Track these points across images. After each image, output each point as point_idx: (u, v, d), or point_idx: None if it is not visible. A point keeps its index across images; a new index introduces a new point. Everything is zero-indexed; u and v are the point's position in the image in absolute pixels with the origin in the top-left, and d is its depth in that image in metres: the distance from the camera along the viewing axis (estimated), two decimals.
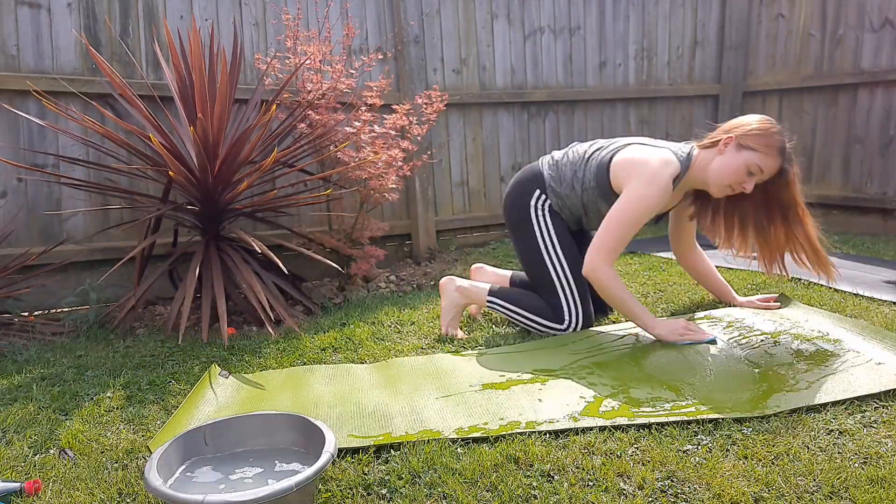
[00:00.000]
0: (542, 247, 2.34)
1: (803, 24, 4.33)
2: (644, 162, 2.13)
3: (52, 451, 1.64)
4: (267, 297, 2.55)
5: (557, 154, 2.42)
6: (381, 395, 1.85)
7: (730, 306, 2.48)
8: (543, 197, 2.36)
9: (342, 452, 1.55)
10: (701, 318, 2.31)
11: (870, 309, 2.48)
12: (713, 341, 2.04)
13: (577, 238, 2.41)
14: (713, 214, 2.30)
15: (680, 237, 2.51)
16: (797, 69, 4.40)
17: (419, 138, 3.29)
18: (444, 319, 2.42)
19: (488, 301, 2.39)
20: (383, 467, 1.50)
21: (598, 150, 2.30)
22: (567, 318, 2.30)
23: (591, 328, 2.33)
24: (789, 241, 2.21)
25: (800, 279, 2.90)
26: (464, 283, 2.43)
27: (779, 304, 2.45)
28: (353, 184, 3.11)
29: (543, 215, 2.35)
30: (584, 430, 1.62)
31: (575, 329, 2.31)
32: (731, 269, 3.19)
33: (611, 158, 2.22)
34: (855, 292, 2.68)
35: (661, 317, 2.46)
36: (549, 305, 2.31)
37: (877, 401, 1.73)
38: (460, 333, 2.41)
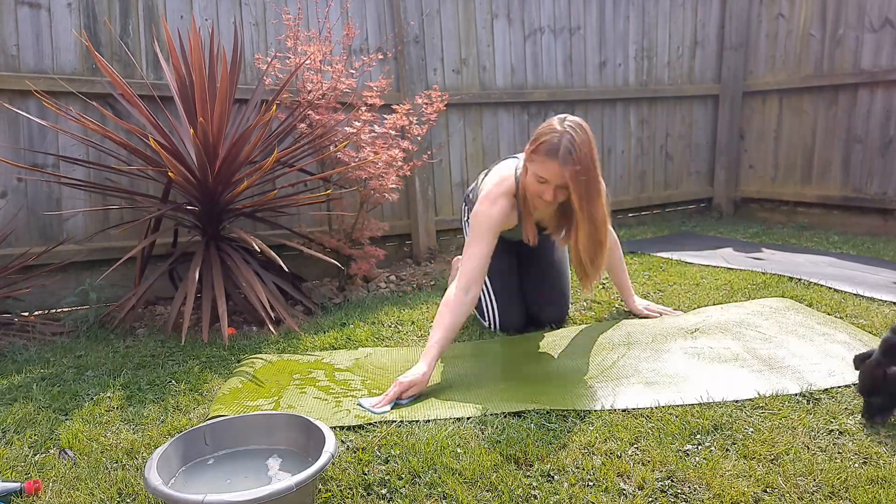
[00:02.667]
0: None
1: (803, 24, 4.33)
2: (489, 179, 2.23)
3: (52, 451, 1.64)
4: (267, 297, 2.54)
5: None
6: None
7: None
8: (466, 209, 2.51)
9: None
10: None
11: (870, 309, 2.48)
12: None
13: (521, 251, 2.48)
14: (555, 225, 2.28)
15: None
16: (797, 69, 4.40)
17: (419, 138, 3.29)
18: None
19: None
20: (383, 467, 1.50)
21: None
22: (486, 317, 2.49)
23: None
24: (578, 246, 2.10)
25: (800, 279, 2.90)
26: None
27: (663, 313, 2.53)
28: (353, 184, 3.11)
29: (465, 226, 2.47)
30: (584, 431, 1.62)
31: (494, 329, 2.48)
32: (731, 269, 3.19)
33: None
34: (855, 292, 2.68)
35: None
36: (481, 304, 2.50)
37: None
38: None
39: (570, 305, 2.63)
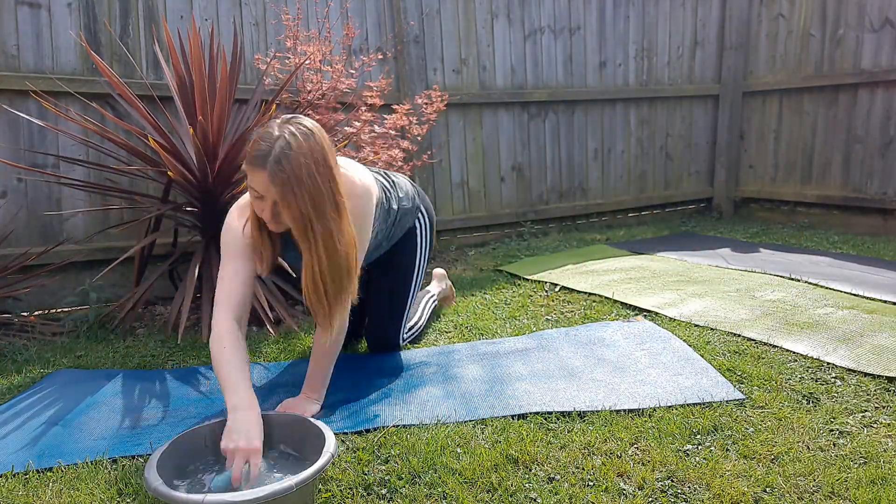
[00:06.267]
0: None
1: (803, 24, 4.33)
2: None
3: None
4: (267, 297, 2.54)
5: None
6: None
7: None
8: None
9: None
10: None
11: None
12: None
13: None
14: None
15: None
16: (797, 69, 4.40)
17: (419, 138, 3.29)
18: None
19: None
20: (383, 467, 1.50)
21: None
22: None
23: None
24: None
25: (798, 279, 2.90)
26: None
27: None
28: None
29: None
30: (584, 431, 1.62)
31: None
32: (729, 268, 3.19)
33: None
34: (854, 293, 2.68)
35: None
36: None
37: (877, 401, 1.74)
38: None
39: (411, 333, 2.36)
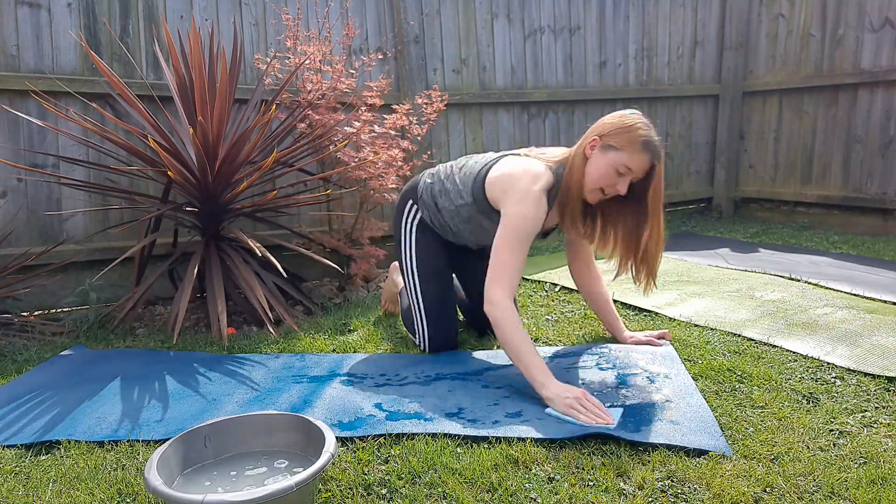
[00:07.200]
0: (404, 262, 2.27)
1: (803, 24, 4.33)
2: (515, 176, 1.97)
3: (53, 451, 1.64)
4: (267, 298, 2.55)
5: (442, 166, 2.26)
6: None
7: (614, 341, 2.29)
8: (415, 209, 2.26)
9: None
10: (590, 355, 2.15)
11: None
12: (609, 430, 1.60)
13: (460, 253, 2.34)
14: (592, 222, 2.11)
15: (576, 258, 2.34)
16: (797, 69, 4.40)
17: (419, 138, 3.29)
18: (383, 298, 2.76)
19: (398, 297, 2.59)
20: (383, 467, 1.50)
21: (474, 163, 2.15)
22: (418, 338, 2.28)
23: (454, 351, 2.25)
24: (641, 244, 2.00)
25: (798, 279, 2.90)
26: (397, 277, 2.63)
27: (664, 342, 2.22)
28: (352, 184, 3.11)
29: (410, 230, 2.26)
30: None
31: (425, 351, 2.25)
32: (729, 268, 3.19)
33: (486, 173, 2.06)
34: (854, 292, 2.68)
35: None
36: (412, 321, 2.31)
37: (877, 401, 1.74)
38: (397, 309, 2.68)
39: None
